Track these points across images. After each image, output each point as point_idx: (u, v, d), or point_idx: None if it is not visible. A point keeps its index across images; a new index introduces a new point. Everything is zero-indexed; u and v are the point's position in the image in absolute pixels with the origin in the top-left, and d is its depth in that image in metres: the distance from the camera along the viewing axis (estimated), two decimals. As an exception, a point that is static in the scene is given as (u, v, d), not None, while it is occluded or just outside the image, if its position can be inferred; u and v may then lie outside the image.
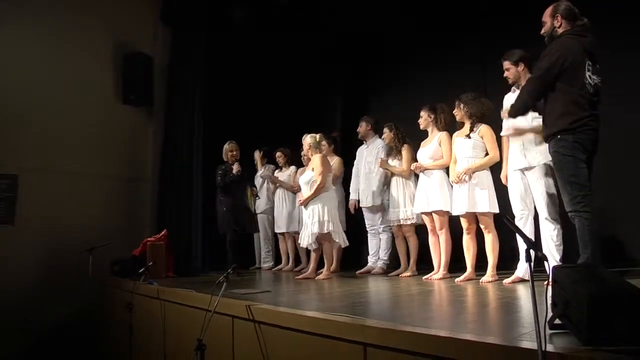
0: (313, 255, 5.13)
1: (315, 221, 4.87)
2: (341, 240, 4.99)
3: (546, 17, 3.48)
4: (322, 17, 6.88)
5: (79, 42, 6.55)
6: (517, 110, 3.58)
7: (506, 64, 3.98)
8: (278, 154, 6.61)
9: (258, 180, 6.76)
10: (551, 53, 3.29)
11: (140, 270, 4.62)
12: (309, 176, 5.04)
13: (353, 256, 6.21)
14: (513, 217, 3.94)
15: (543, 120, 3.47)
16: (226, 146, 6.09)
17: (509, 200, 4.04)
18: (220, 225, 5.98)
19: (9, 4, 6.01)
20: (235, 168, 5.92)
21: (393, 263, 5.55)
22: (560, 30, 3.40)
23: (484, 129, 4.29)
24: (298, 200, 5.48)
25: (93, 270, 5.39)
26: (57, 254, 5.96)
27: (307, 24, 6.99)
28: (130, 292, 4.43)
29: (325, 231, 4.87)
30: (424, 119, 4.91)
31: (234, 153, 6.05)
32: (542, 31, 3.52)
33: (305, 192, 5.04)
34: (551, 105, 3.33)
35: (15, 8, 6.04)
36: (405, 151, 5.21)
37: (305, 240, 4.98)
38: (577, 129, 3.19)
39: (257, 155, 6.85)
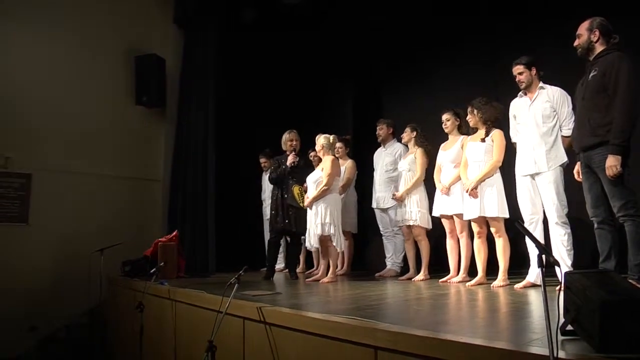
0: (322, 258, 5.14)
1: (318, 222, 4.89)
2: (338, 244, 4.94)
3: (582, 30, 3.46)
4: (332, 17, 6.89)
5: (92, 44, 6.63)
6: (631, 124, 3.26)
7: (520, 68, 3.98)
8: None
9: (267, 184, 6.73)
10: (630, 68, 3.23)
11: (151, 271, 4.63)
12: (317, 175, 5.06)
13: (360, 258, 6.20)
14: (522, 222, 3.93)
15: (595, 127, 3.33)
16: (286, 135, 5.55)
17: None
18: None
19: (24, 8, 6.09)
20: (291, 159, 5.39)
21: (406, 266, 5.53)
22: (598, 45, 3.40)
23: (496, 133, 4.29)
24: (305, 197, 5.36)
25: (104, 270, 5.45)
26: (69, 254, 6.02)
27: (316, 24, 7.00)
28: (142, 293, 4.44)
29: (326, 233, 4.87)
30: (451, 122, 4.85)
31: (294, 143, 5.50)
32: (576, 43, 3.50)
33: (313, 191, 5.06)
34: (611, 115, 3.26)
35: (29, 11, 6.13)
36: (419, 155, 5.13)
37: (310, 240, 4.99)
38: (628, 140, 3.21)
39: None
